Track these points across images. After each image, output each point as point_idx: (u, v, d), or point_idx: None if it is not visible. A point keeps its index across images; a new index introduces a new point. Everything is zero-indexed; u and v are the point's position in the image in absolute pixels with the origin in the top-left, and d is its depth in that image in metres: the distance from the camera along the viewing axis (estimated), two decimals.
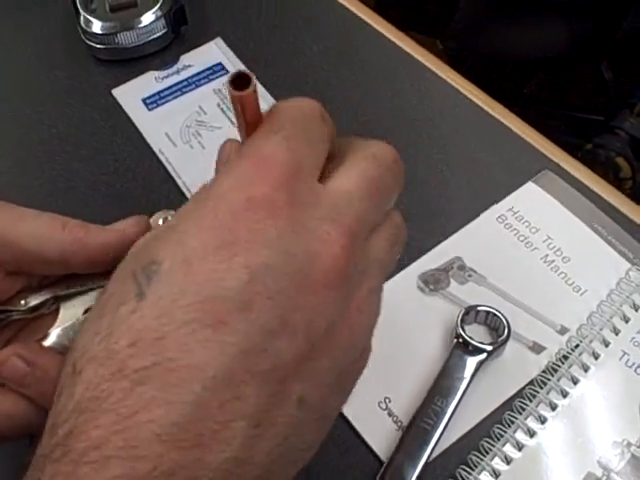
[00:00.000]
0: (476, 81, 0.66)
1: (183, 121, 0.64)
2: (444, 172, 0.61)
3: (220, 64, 0.67)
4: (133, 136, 0.64)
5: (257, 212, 0.29)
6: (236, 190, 0.29)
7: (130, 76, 0.67)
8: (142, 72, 0.67)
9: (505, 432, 0.48)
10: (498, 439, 0.48)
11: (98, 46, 0.67)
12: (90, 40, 0.67)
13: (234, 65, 0.67)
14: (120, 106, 0.65)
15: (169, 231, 0.30)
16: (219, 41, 0.69)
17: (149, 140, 0.63)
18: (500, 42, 1.25)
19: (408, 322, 0.53)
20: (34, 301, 0.41)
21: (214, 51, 0.68)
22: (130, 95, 0.66)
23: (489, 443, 0.48)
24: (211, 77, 0.67)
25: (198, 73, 0.67)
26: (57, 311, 0.39)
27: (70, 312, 0.39)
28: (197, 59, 0.68)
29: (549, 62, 1.35)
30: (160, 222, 0.55)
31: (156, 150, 0.62)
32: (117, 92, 0.66)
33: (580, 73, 1.46)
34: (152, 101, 0.66)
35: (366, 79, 0.67)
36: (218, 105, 0.65)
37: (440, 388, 0.49)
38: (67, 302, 0.39)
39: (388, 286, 0.57)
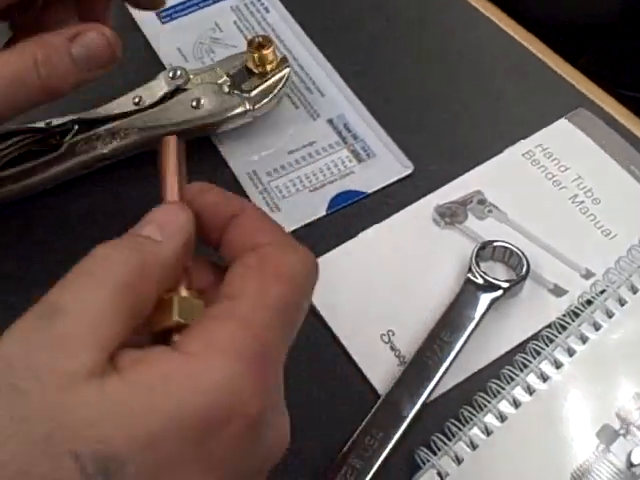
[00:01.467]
0: None
1: (197, 37, 0.61)
2: (472, 103, 0.57)
3: None
4: (144, 49, 0.60)
5: (247, 436, 0.27)
6: (228, 400, 0.26)
7: None
8: None
9: (516, 375, 0.44)
10: (508, 382, 0.44)
11: None
12: None
13: None
14: (132, 18, 0.61)
15: (132, 416, 0.25)
16: None
17: (160, 54, 0.60)
18: (546, 5, 1.19)
19: (419, 254, 0.49)
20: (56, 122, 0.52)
21: None
22: None
23: (497, 385, 0.44)
24: None
25: None
26: None
27: None
28: None
29: (600, 33, 1.29)
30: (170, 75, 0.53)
31: (166, 64, 0.59)
32: None
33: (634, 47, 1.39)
34: (167, 14, 0.62)
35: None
36: (235, 23, 0.61)
37: (448, 323, 0.45)
38: None
39: (401, 216, 0.53)
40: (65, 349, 0.25)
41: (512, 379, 0.44)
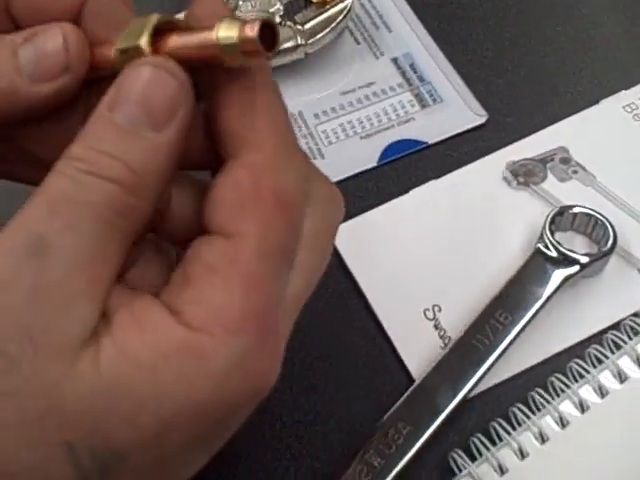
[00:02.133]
0: None
1: None
2: (562, 45, 0.47)
3: None
4: None
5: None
6: (240, 380, 0.22)
7: None
8: None
9: (587, 371, 0.35)
10: (575, 379, 0.35)
11: None
12: None
13: None
14: None
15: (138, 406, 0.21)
16: None
17: None
18: None
19: (482, 217, 0.41)
20: None
21: None
22: None
23: (561, 381, 0.35)
24: None
25: None
26: None
27: None
28: None
29: None
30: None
31: None
32: None
33: None
34: None
35: None
36: None
37: (507, 301, 0.37)
38: None
39: (465, 171, 0.45)
40: (59, 301, 0.21)
41: (581, 376, 0.35)
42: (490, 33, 0.48)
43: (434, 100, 0.46)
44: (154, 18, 0.23)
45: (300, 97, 0.47)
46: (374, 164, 0.44)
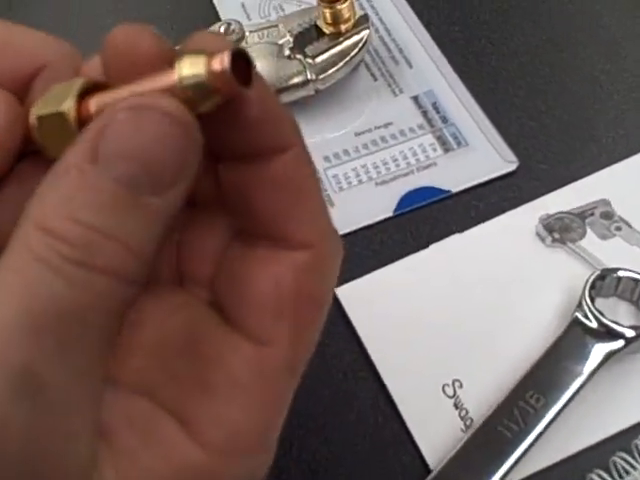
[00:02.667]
0: None
1: None
2: (604, 85, 0.43)
3: None
4: (201, 2, 0.50)
5: None
6: None
7: None
8: None
9: (634, 467, 0.30)
10: (620, 476, 0.30)
11: None
12: None
13: None
14: None
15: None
16: None
17: (219, 8, 0.49)
18: None
19: (511, 279, 0.36)
20: None
21: None
22: None
23: (601, 478, 0.30)
24: None
25: None
26: None
27: None
28: None
29: None
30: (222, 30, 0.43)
31: (223, 19, 0.48)
32: None
33: None
34: None
35: None
36: None
37: (539, 379, 0.32)
38: None
39: (493, 225, 0.40)
40: (54, 446, 0.17)
41: (627, 472, 0.30)
42: (522, 71, 0.44)
43: (458, 143, 0.41)
44: (80, 80, 0.19)
45: (309, 138, 0.42)
46: (390, 214, 0.39)
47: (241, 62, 0.18)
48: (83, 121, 0.19)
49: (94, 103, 0.19)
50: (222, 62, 0.18)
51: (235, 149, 0.20)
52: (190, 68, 0.18)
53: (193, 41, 0.20)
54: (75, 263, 0.17)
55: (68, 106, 0.19)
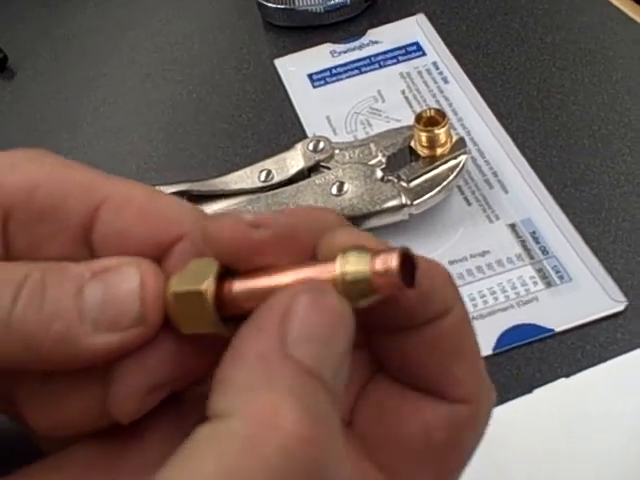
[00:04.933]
0: None
1: (353, 106, 0.49)
2: None
3: (417, 44, 0.51)
4: (286, 114, 0.49)
5: None
6: None
7: (300, 46, 0.53)
8: (317, 43, 0.53)
9: None
10: None
11: (272, 5, 0.54)
12: None
13: (435, 47, 0.51)
14: (277, 72, 0.51)
15: None
16: (421, 17, 0.53)
17: (304, 122, 0.48)
18: None
19: (628, 433, 0.33)
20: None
21: (412, 28, 0.52)
22: (295, 67, 0.52)
23: None
24: (401, 58, 0.51)
25: (386, 52, 0.51)
26: None
27: None
28: (389, 35, 0.52)
29: None
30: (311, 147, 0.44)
31: (309, 134, 0.47)
32: (280, 62, 0.52)
33: None
34: (320, 77, 0.51)
35: (613, 80, 0.48)
36: (402, 92, 0.49)
37: None
38: None
39: (604, 370, 0.37)
40: None
41: None
42: (625, 201, 0.42)
43: (561, 278, 0.39)
44: (216, 261, 0.19)
45: None
46: (489, 352, 0.37)
47: (406, 262, 0.17)
48: (221, 302, 0.18)
49: (237, 286, 0.18)
50: (389, 262, 0.17)
51: (391, 327, 0.20)
52: (355, 265, 0.17)
53: (336, 238, 0.19)
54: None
55: (208, 286, 0.18)
